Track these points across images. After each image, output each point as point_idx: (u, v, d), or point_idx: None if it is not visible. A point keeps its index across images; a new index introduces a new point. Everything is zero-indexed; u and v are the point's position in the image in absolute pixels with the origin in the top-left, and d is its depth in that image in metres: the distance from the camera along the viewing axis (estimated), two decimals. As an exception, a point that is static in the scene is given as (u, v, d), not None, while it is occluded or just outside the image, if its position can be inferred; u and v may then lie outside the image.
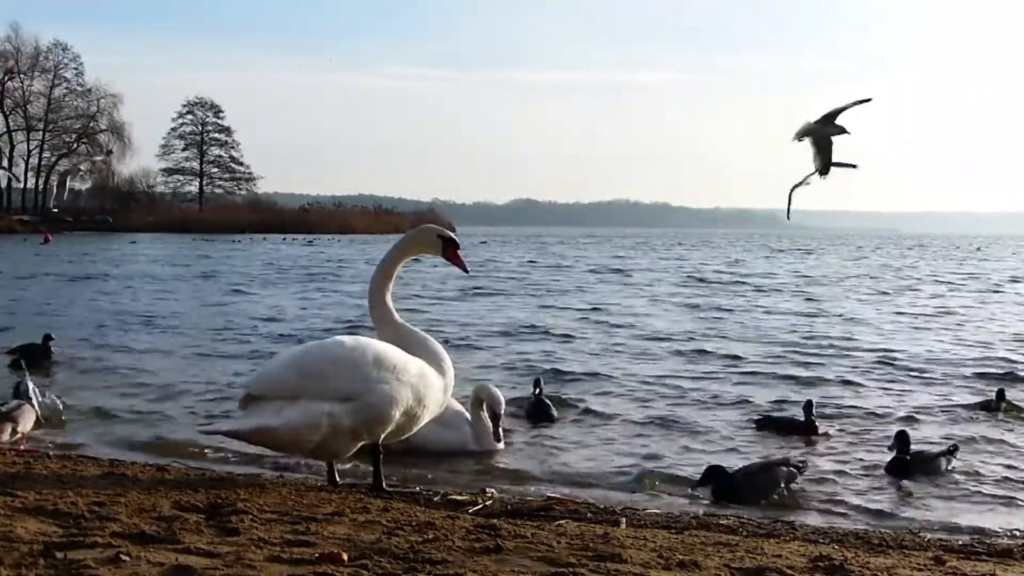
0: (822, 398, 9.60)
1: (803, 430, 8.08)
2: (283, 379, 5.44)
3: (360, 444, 5.58)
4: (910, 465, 6.83)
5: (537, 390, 8.72)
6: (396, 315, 5.79)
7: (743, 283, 28.96)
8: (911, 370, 11.83)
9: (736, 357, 12.71)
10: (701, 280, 30.32)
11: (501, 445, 7.27)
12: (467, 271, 6.19)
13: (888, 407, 9.49)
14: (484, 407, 7.18)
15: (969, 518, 5.99)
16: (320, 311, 18.76)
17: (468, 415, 7.23)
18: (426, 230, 6.05)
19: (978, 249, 77.35)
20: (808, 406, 8.21)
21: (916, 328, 16.90)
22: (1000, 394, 9.32)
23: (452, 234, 5.99)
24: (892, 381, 11.08)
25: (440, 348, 5.77)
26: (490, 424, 7.17)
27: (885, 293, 25.69)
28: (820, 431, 8.10)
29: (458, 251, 5.94)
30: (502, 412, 7.21)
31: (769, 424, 8.38)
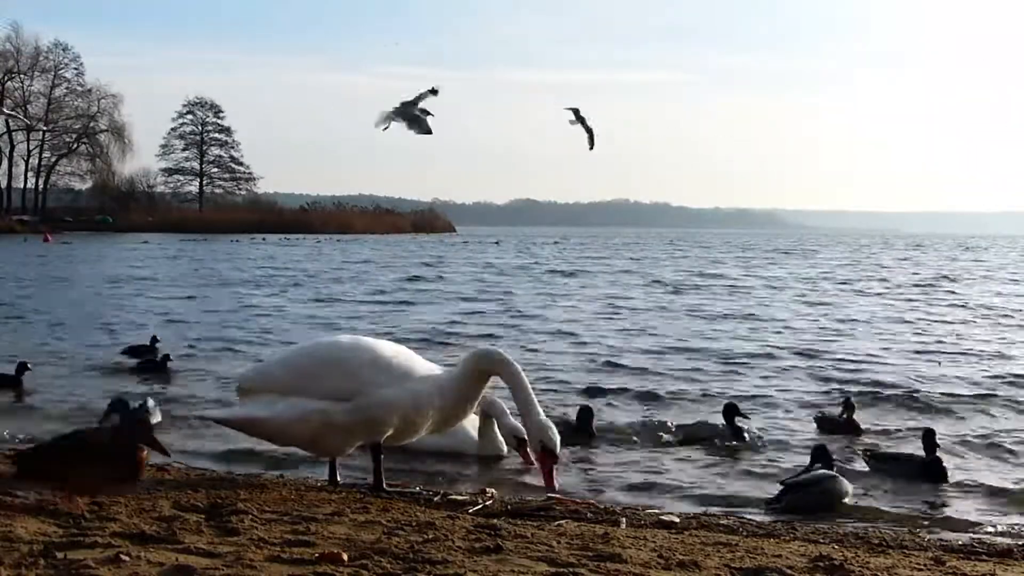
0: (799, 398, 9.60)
1: (847, 429, 7.97)
2: (274, 375, 5.50)
3: (359, 443, 5.59)
4: (941, 467, 6.68)
5: (736, 417, 7.77)
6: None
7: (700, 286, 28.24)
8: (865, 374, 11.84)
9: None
10: (658, 282, 29.47)
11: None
12: (553, 487, 5.51)
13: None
14: (496, 424, 6.90)
15: (969, 518, 5.99)
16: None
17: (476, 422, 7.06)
18: (548, 429, 5.35)
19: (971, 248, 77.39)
20: (847, 404, 8.08)
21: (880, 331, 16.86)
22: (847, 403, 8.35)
23: (556, 448, 5.37)
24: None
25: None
26: (499, 433, 6.99)
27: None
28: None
29: (555, 466, 5.43)
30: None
31: (824, 423, 8.15)
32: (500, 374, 5.52)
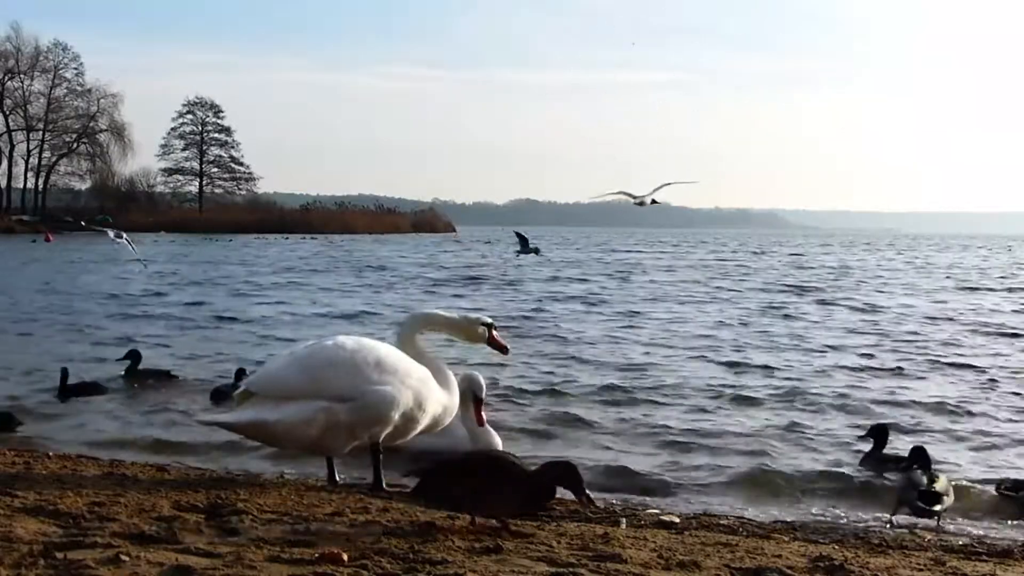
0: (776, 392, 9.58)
1: None
2: (282, 379, 5.54)
3: (357, 442, 5.62)
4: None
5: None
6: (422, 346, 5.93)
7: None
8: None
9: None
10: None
11: (488, 428, 7.10)
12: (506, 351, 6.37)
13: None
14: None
15: (969, 518, 5.99)
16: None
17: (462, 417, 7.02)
18: (475, 321, 6.16)
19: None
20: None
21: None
22: None
23: (491, 319, 6.25)
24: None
25: (450, 373, 5.92)
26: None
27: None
28: None
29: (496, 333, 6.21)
30: (483, 397, 6.72)
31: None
32: (430, 327, 6.06)
